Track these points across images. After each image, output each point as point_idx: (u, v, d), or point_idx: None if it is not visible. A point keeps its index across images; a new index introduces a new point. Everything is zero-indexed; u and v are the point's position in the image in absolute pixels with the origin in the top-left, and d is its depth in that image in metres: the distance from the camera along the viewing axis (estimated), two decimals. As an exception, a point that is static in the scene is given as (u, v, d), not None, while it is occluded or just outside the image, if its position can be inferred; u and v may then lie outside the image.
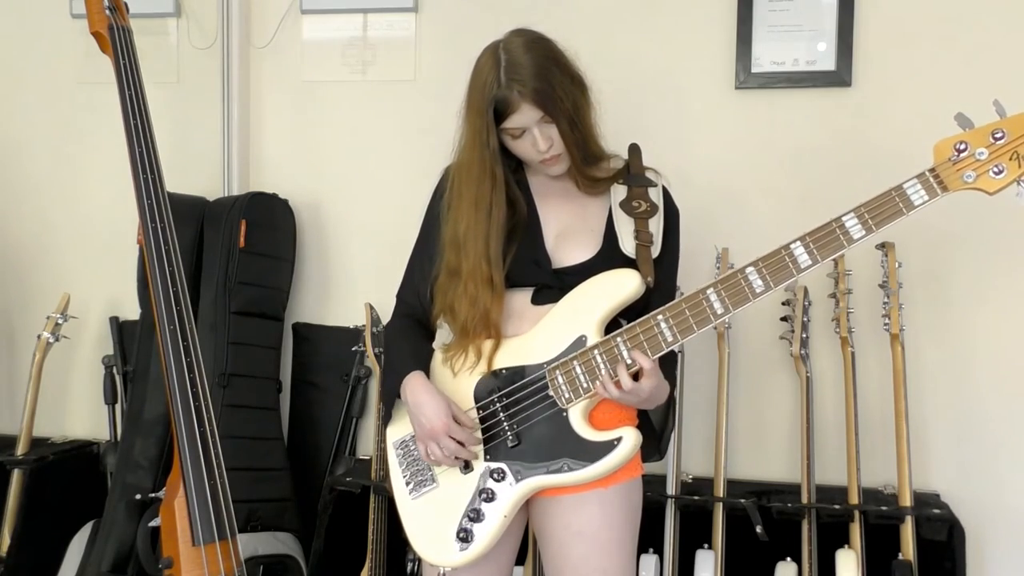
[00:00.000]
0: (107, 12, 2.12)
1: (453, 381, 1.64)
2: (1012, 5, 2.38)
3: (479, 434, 1.60)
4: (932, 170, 1.43)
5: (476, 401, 1.62)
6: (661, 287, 1.62)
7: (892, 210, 1.43)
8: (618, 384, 1.51)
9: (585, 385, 1.54)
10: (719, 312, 1.49)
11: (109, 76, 2.11)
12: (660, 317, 1.52)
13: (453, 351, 1.64)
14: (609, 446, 1.54)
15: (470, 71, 1.61)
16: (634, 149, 1.73)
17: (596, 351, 1.54)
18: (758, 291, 1.48)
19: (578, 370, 1.55)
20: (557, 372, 1.56)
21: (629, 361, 1.51)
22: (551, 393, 1.56)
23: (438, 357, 1.70)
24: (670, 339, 1.51)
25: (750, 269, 1.48)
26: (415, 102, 2.73)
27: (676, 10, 2.56)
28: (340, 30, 2.78)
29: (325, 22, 2.79)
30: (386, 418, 1.71)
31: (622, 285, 1.56)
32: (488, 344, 1.61)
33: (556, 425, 1.56)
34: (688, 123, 2.54)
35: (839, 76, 2.46)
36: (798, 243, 1.46)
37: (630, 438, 1.54)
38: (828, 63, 2.47)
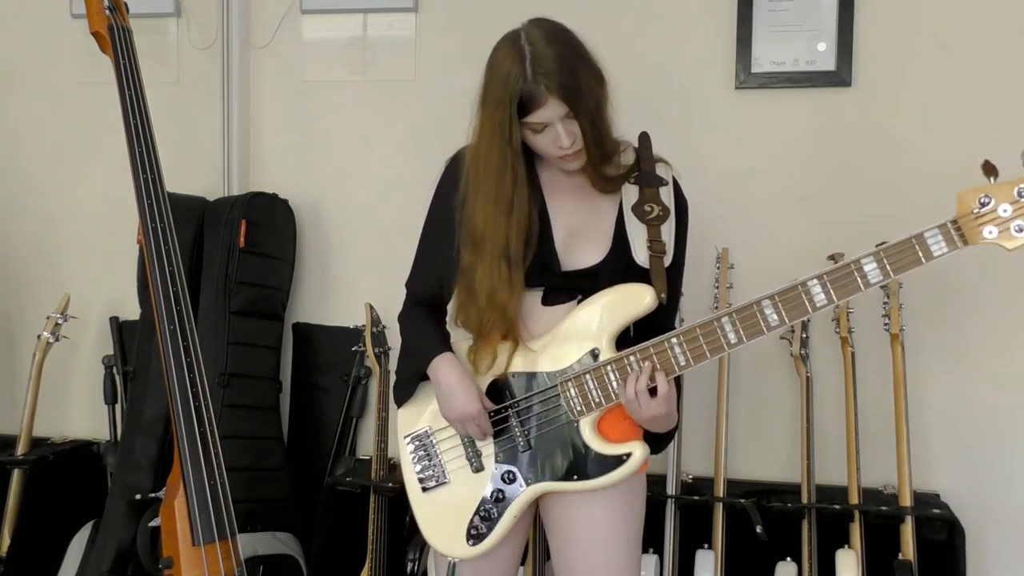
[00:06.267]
0: (107, 12, 2.12)
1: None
2: (1011, 5, 2.38)
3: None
4: (954, 222, 1.41)
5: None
6: (673, 268, 1.62)
7: (911, 258, 1.43)
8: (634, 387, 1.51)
9: (597, 400, 1.56)
10: (732, 341, 1.50)
11: (109, 76, 2.10)
12: (675, 340, 1.52)
13: (472, 348, 1.64)
14: (618, 461, 1.56)
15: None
16: (644, 139, 1.68)
17: (610, 367, 1.55)
18: (772, 324, 1.48)
19: (591, 384, 1.56)
20: (569, 384, 1.57)
21: (648, 380, 1.51)
22: (562, 404, 1.58)
23: (456, 348, 1.69)
24: (683, 363, 1.52)
25: (766, 302, 1.48)
26: (415, 102, 2.73)
27: (676, 10, 2.56)
28: (340, 30, 2.78)
29: (325, 22, 2.79)
30: (403, 398, 1.70)
31: (636, 301, 1.56)
32: (505, 346, 1.61)
33: (566, 435, 1.58)
34: (688, 123, 2.54)
35: (839, 76, 2.46)
36: (815, 281, 1.46)
37: (638, 453, 1.56)
38: (828, 63, 2.47)
